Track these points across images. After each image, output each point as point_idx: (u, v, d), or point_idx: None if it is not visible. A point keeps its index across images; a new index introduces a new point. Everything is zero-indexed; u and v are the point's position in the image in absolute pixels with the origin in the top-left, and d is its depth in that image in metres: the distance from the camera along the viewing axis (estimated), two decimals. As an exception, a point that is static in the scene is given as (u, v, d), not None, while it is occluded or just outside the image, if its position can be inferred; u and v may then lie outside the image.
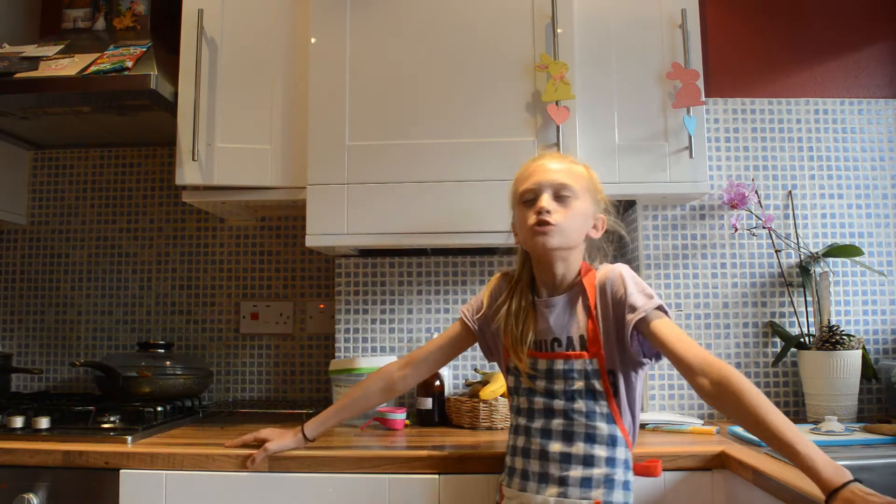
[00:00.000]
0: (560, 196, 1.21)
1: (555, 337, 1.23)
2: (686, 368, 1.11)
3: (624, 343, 1.18)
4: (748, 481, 1.24)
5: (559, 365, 1.20)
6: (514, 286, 1.30)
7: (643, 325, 1.16)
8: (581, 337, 1.21)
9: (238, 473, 1.38)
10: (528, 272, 1.31)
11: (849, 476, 0.93)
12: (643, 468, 1.22)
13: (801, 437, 0.98)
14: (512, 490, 1.21)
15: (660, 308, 1.18)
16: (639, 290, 1.18)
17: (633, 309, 1.17)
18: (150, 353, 1.94)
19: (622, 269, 1.23)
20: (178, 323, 2.14)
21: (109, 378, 1.83)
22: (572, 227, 1.21)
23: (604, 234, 1.29)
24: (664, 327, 1.15)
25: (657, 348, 1.17)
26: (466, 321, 1.36)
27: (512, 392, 1.29)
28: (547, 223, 1.19)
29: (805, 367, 1.72)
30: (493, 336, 1.33)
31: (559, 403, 1.19)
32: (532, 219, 1.21)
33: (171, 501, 1.38)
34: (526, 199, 1.24)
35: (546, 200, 1.20)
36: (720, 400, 1.07)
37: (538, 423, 1.20)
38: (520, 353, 1.24)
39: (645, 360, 1.21)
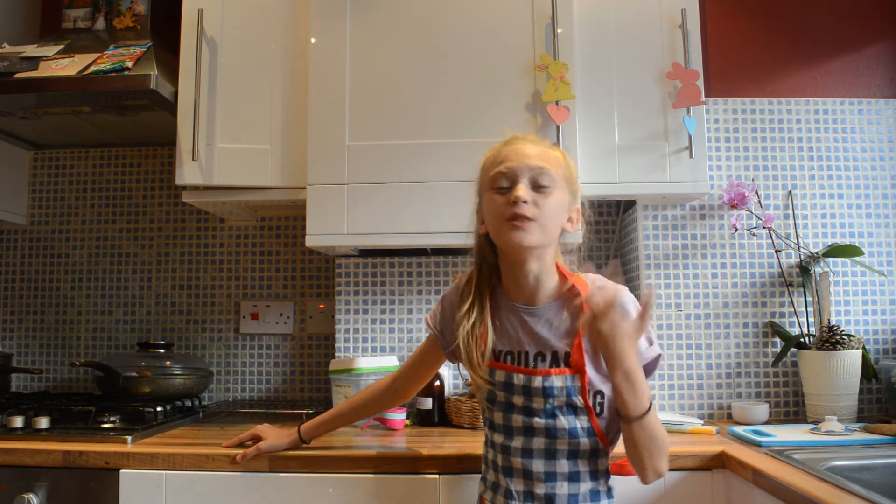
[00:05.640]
0: (539, 185, 1.10)
1: (538, 351, 1.14)
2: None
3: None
4: (748, 481, 1.24)
5: (538, 382, 1.11)
6: (474, 290, 1.19)
7: None
8: (567, 354, 1.12)
9: (238, 473, 1.38)
10: (486, 272, 1.21)
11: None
12: (617, 468, 1.18)
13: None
14: None
15: (656, 357, 1.13)
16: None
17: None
18: (150, 353, 1.94)
19: (627, 299, 1.12)
20: (178, 323, 2.14)
21: (109, 378, 1.83)
22: (551, 221, 1.11)
23: (602, 235, 1.24)
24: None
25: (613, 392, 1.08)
26: (431, 329, 1.29)
27: (485, 403, 1.18)
28: (525, 217, 1.08)
29: (805, 367, 1.72)
30: (456, 344, 1.21)
31: (539, 422, 1.11)
32: (507, 210, 1.09)
33: (171, 501, 1.38)
34: (498, 186, 1.12)
35: (524, 190, 1.09)
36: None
37: (518, 442, 1.13)
38: (476, 365, 1.15)
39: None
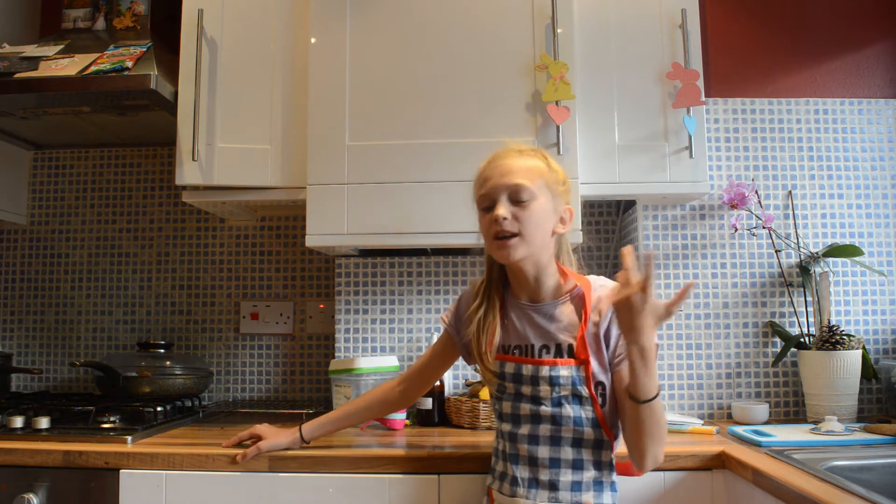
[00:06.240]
0: (517, 200, 1.16)
1: (543, 344, 1.20)
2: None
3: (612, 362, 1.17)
4: (748, 481, 1.25)
5: (545, 371, 1.16)
6: (485, 291, 1.26)
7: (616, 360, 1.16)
8: (570, 346, 1.18)
9: (238, 473, 1.38)
10: (498, 273, 1.28)
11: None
12: (622, 467, 1.22)
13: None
14: (503, 496, 1.19)
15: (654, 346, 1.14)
16: None
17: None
18: (150, 353, 1.94)
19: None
20: (178, 323, 2.14)
21: (109, 378, 1.83)
22: (535, 232, 1.16)
23: (602, 235, 1.27)
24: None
25: (614, 386, 1.16)
26: (447, 328, 1.35)
27: (495, 397, 1.25)
28: (507, 234, 1.15)
29: (805, 367, 1.72)
30: (470, 341, 1.29)
31: (546, 409, 1.16)
32: (492, 229, 1.17)
33: (171, 501, 1.38)
34: (483, 206, 1.20)
35: (503, 208, 1.16)
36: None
37: (524, 429, 1.18)
38: (485, 358, 1.22)
39: None
